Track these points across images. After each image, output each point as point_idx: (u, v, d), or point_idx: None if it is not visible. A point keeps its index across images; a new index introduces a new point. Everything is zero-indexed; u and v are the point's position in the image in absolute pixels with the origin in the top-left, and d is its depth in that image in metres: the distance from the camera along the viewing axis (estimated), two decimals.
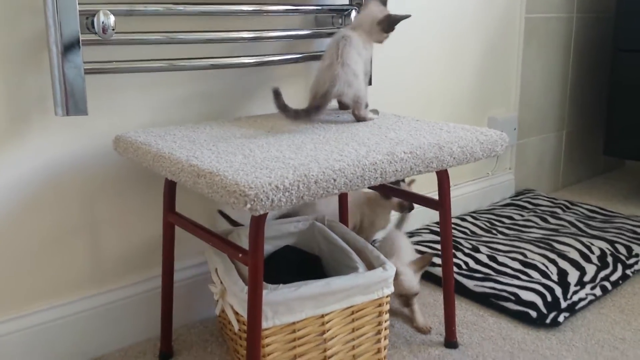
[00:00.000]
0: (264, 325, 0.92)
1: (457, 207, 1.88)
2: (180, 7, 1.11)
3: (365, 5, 1.21)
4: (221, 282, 1.02)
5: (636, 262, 1.53)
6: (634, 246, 1.62)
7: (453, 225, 1.78)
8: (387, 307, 1.06)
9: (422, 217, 1.75)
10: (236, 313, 0.98)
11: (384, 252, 1.34)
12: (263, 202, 0.76)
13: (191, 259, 1.27)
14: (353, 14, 1.36)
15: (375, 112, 1.19)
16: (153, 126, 1.16)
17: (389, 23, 1.17)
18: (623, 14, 2.01)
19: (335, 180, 0.84)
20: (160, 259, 1.14)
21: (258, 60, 1.25)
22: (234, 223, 1.24)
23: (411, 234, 1.69)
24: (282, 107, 1.03)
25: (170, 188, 1.08)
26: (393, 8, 1.53)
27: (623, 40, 2.02)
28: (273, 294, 0.92)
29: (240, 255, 0.88)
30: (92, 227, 1.14)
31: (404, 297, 1.26)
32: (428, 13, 1.67)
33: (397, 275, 1.22)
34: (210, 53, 1.21)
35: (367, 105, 1.16)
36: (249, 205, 0.74)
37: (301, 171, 0.81)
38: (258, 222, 0.83)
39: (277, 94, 1.02)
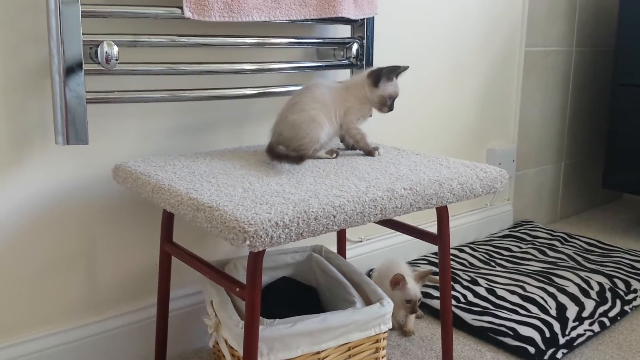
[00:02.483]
0: None
1: (456, 237, 1.87)
2: (184, 39, 1.12)
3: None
4: (216, 315, 1.02)
5: (634, 298, 1.53)
6: (632, 281, 1.61)
7: (451, 257, 1.77)
8: (384, 343, 1.05)
9: (420, 248, 1.75)
10: (230, 347, 0.97)
11: (384, 274, 1.35)
12: (262, 239, 0.75)
13: (187, 288, 1.26)
14: (355, 46, 1.37)
15: (376, 148, 1.17)
16: (154, 155, 1.17)
17: (377, 75, 1.13)
18: (623, 48, 2.03)
19: (335, 216, 0.84)
20: (155, 288, 1.13)
21: (260, 91, 1.25)
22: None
23: (409, 264, 1.67)
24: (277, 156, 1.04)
25: (168, 218, 1.07)
26: (387, 42, 1.55)
27: (623, 74, 2.04)
28: (269, 330, 0.91)
29: (237, 289, 0.87)
30: (89, 255, 1.13)
31: (412, 304, 1.30)
32: (428, 45, 1.69)
33: (403, 282, 1.30)
34: (212, 84, 1.22)
35: (334, 153, 1.13)
36: (248, 242, 0.74)
37: (301, 207, 0.81)
38: (257, 258, 0.82)
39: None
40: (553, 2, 2.04)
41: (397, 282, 1.31)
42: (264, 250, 0.82)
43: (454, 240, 1.87)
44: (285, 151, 1.04)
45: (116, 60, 1.01)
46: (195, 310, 1.26)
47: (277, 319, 0.94)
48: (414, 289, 1.31)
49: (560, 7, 2.07)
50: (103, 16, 1.04)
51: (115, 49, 1.01)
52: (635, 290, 1.57)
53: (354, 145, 1.17)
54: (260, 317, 0.93)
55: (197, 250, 1.22)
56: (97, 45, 1.01)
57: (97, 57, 1.01)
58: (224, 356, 1.04)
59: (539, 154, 2.14)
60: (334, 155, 1.12)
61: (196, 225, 0.83)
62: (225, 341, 0.98)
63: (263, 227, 0.75)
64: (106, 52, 1.00)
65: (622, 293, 1.54)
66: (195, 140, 1.24)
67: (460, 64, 1.80)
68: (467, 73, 1.82)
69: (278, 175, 0.98)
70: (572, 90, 2.22)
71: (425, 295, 1.49)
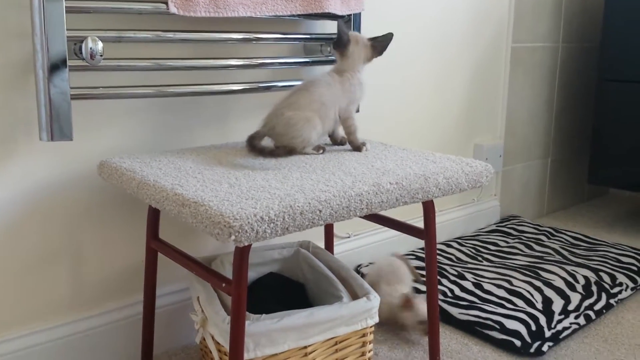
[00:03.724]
0: (246, 357, 0.91)
1: (443, 232, 1.88)
2: (170, 35, 1.11)
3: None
4: (202, 311, 1.01)
5: (620, 292, 1.54)
6: (617, 275, 1.63)
7: (439, 252, 1.78)
8: (371, 337, 1.06)
9: (408, 242, 1.76)
10: (217, 343, 0.97)
11: (383, 273, 1.33)
12: (248, 234, 0.75)
13: (173, 284, 1.26)
14: None
15: (363, 144, 1.18)
16: (139, 152, 1.16)
17: (385, 46, 1.18)
18: (608, 44, 2.04)
19: (321, 211, 0.84)
20: (142, 285, 1.13)
21: (246, 87, 1.25)
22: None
23: (405, 260, 1.68)
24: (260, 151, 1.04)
25: (154, 214, 1.07)
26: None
27: (608, 70, 2.05)
28: (255, 325, 0.91)
29: (223, 285, 0.87)
30: (75, 251, 1.13)
31: (425, 324, 1.24)
32: (415, 42, 1.69)
33: (415, 304, 1.27)
34: (198, 80, 1.21)
35: (321, 149, 1.13)
36: (233, 237, 0.74)
37: (287, 202, 0.81)
38: (242, 253, 0.83)
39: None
40: None
41: (408, 304, 1.28)
42: (249, 246, 0.82)
43: (442, 236, 1.88)
44: (269, 147, 1.04)
45: (101, 56, 1.01)
46: (182, 306, 1.26)
47: (263, 314, 0.94)
48: (424, 306, 1.23)
49: (546, 4, 2.08)
50: (87, 12, 1.04)
51: (100, 44, 1.00)
52: (620, 284, 1.58)
53: (341, 140, 1.18)
54: (247, 313, 0.93)
55: (183, 246, 1.22)
56: (82, 41, 1.00)
57: (81, 52, 1.00)
58: (210, 352, 1.04)
59: (525, 149, 2.15)
60: (321, 151, 1.12)
61: (182, 221, 0.83)
62: (212, 337, 0.98)
63: (248, 222, 0.75)
64: (91, 48, 1.00)
65: (607, 286, 1.56)
66: (181, 136, 1.23)
67: (448, 61, 1.80)
68: (454, 69, 1.83)
69: (264, 170, 0.98)
70: (559, 86, 2.23)
71: (413, 290, 1.49)
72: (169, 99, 1.20)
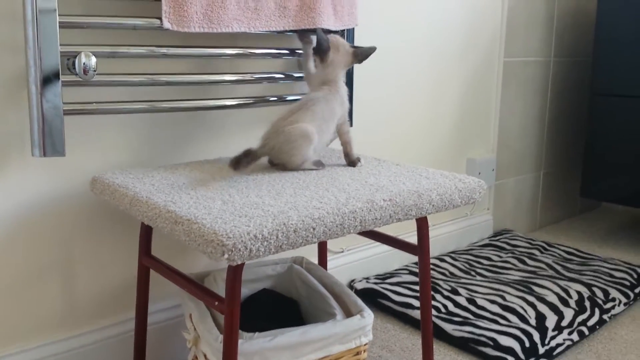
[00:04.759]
0: None
1: (436, 246, 1.88)
2: (163, 50, 1.11)
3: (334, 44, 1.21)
4: (195, 329, 1.00)
5: (613, 307, 1.54)
6: (610, 290, 1.63)
7: (432, 266, 1.78)
8: (365, 355, 1.05)
9: (401, 257, 1.75)
10: None
11: None
12: (241, 252, 0.75)
13: (166, 301, 1.25)
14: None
15: (358, 159, 1.18)
16: (132, 167, 1.15)
17: (366, 55, 1.20)
18: (600, 58, 2.06)
19: (314, 229, 0.84)
20: (134, 301, 1.12)
21: (240, 102, 1.25)
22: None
23: (390, 274, 1.68)
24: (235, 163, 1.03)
25: (146, 231, 1.06)
26: (372, 56, 1.56)
27: (600, 84, 2.07)
28: (248, 344, 0.90)
29: (216, 303, 0.86)
30: (66, 268, 1.12)
31: None
32: (408, 56, 1.70)
33: None
34: (192, 95, 1.21)
35: (321, 165, 1.14)
36: (226, 256, 0.74)
37: (280, 219, 0.81)
38: (235, 272, 0.82)
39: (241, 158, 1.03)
40: (531, 13, 2.07)
41: None
42: (243, 264, 0.81)
43: (435, 250, 1.88)
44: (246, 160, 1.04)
45: (94, 71, 1.00)
46: (174, 323, 1.24)
47: (256, 333, 0.93)
48: None
49: (538, 18, 2.10)
50: (81, 27, 1.03)
51: (94, 59, 1.00)
52: (613, 299, 1.58)
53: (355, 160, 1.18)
54: (240, 331, 0.92)
55: (176, 262, 1.21)
56: (75, 56, 1.00)
57: (74, 68, 1.00)
58: None
59: (518, 163, 2.16)
60: (320, 167, 1.12)
61: (175, 238, 0.83)
62: (205, 355, 0.97)
63: (242, 240, 0.74)
64: (84, 63, 0.99)
65: (600, 302, 1.56)
66: (174, 151, 1.23)
67: (441, 75, 1.81)
68: (447, 84, 1.84)
69: (258, 186, 0.97)
70: (551, 100, 2.25)
71: (406, 305, 1.49)
72: (163, 114, 1.20)
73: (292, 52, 1.33)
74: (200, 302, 1.04)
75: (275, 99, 1.31)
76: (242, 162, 1.03)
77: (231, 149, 1.31)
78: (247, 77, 1.26)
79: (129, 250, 1.18)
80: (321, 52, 1.17)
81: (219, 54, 1.20)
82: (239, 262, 0.75)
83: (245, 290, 1.18)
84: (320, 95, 1.13)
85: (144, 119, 1.18)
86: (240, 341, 0.89)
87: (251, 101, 1.27)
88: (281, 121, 1.09)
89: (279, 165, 1.10)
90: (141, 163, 1.18)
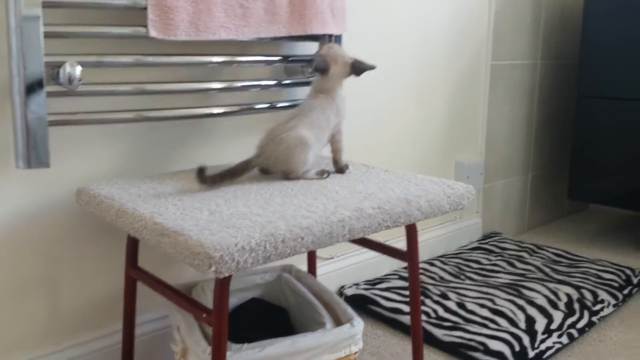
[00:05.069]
0: None
1: (426, 251, 1.88)
2: (150, 59, 1.10)
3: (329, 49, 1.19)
4: (183, 341, 1.00)
5: (602, 309, 1.55)
6: (599, 292, 1.64)
7: (422, 271, 1.78)
8: None
9: (391, 263, 1.75)
10: None
11: None
12: (228, 264, 0.74)
13: (153, 312, 1.23)
14: None
15: (347, 166, 1.18)
16: (119, 177, 1.14)
17: (363, 69, 1.18)
18: (587, 61, 2.07)
19: (302, 238, 0.83)
20: (120, 313, 1.11)
21: (227, 110, 1.24)
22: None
23: (380, 280, 1.68)
24: (203, 179, 1.00)
25: (133, 242, 1.05)
26: (360, 56, 1.56)
27: (586, 86, 2.08)
28: (237, 356, 0.89)
29: (204, 315, 0.85)
30: (51, 280, 1.10)
31: None
32: (396, 62, 1.70)
33: None
34: (179, 103, 1.20)
35: (325, 173, 1.13)
36: (213, 268, 0.73)
37: (268, 230, 0.80)
38: (223, 283, 0.81)
39: (201, 171, 0.99)
40: (518, 16, 2.08)
41: None
42: (230, 276, 0.80)
43: (425, 254, 1.88)
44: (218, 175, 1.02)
45: (79, 80, 0.99)
46: (162, 335, 1.23)
47: (245, 344, 0.93)
48: None
49: (524, 22, 2.11)
50: (66, 36, 1.02)
51: (79, 69, 0.99)
52: (602, 301, 1.59)
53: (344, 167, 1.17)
54: (228, 342, 0.91)
55: (163, 272, 1.20)
56: (60, 66, 0.99)
57: (59, 77, 0.99)
58: None
59: (506, 166, 2.17)
60: (325, 175, 1.12)
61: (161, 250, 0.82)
62: None
63: (229, 252, 0.74)
64: (69, 73, 0.98)
65: (589, 304, 1.56)
66: (162, 160, 1.22)
67: (428, 79, 1.81)
68: (435, 88, 1.84)
69: (246, 195, 0.97)
70: (538, 102, 2.26)
71: (396, 311, 1.49)
72: (150, 123, 1.19)
73: (284, 58, 1.33)
74: (188, 314, 1.03)
75: (265, 106, 1.31)
76: (210, 179, 1.00)
77: (219, 157, 1.31)
78: (234, 84, 1.25)
79: (116, 261, 1.17)
80: (322, 71, 1.16)
81: (207, 61, 1.20)
82: (227, 274, 0.74)
83: (234, 300, 1.18)
84: (317, 104, 1.13)
85: (130, 129, 1.17)
86: (228, 353, 0.88)
87: (240, 109, 1.26)
88: (278, 129, 1.09)
89: (278, 173, 1.09)
90: (128, 173, 1.17)
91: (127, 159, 1.17)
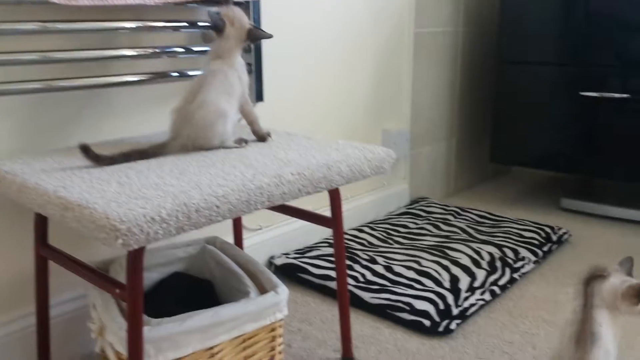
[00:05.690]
0: None
1: (355, 218, 1.90)
2: (59, 25, 1.03)
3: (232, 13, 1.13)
4: (100, 319, 0.96)
5: (523, 266, 1.61)
6: (520, 249, 1.70)
7: (351, 237, 1.79)
8: (280, 331, 1.04)
9: (321, 231, 1.75)
10: (117, 351, 0.92)
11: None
12: (137, 236, 0.71)
13: (70, 292, 1.18)
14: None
15: (268, 134, 1.15)
16: (24, 153, 1.07)
17: (255, 35, 1.13)
18: (506, 27, 2.12)
19: (218, 207, 0.81)
20: (33, 295, 1.05)
21: (142, 77, 1.19)
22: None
23: (310, 248, 1.68)
24: (95, 158, 0.93)
25: (41, 219, 1.00)
26: (277, 25, 1.53)
27: (506, 52, 2.14)
28: (156, 330, 0.87)
29: (117, 291, 0.82)
30: None
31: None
32: (319, 29, 1.68)
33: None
34: (90, 72, 1.14)
35: (243, 141, 1.10)
36: (120, 241, 0.70)
37: (181, 199, 0.78)
38: (135, 257, 0.78)
39: (85, 150, 0.93)
40: None
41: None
42: (143, 248, 0.77)
43: (354, 221, 1.89)
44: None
45: None
46: (81, 314, 1.18)
47: (165, 318, 0.90)
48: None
49: None
50: None
51: None
52: (523, 258, 1.65)
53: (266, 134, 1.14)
54: (147, 318, 0.88)
55: (80, 251, 1.15)
56: None
57: None
58: None
59: (431, 132, 2.21)
60: (243, 144, 1.09)
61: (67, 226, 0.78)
62: (111, 345, 0.93)
63: (137, 224, 0.71)
64: None
65: (511, 261, 1.62)
66: (70, 133, 1.15)
67: (351, 48, 1.80)
68: (358, 56, 1.83)
69: (160, 166, 0.93)
70: (461, 69, 2.30)
71: (325, 277, 1.50)
72: (56, 94, 1.11)
73: (193, 24, 1.28)
74: (104, 291, 0.99)
75: (177, 74, 1.26)
76: (109, 158, 0.94)
77: (134, 128, 1.25)
78: (148, 51, 1.20)
79: (25, 239, 1.10)
80: (217, 29, 1.10)
81: (118, 27, 1.13)
82: (136, 247, 0.71)
83: (155, 275, 1.14)
84: (217, 69, 1.07)
85: (35, 100, 1.09)
86: (146, 328, 0.86)
87: (152, 77, 1.21)
88: (187, 106, 1.04)
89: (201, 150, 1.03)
90: (34, 148, 1.10)
91: (32, 133, 1.10)
